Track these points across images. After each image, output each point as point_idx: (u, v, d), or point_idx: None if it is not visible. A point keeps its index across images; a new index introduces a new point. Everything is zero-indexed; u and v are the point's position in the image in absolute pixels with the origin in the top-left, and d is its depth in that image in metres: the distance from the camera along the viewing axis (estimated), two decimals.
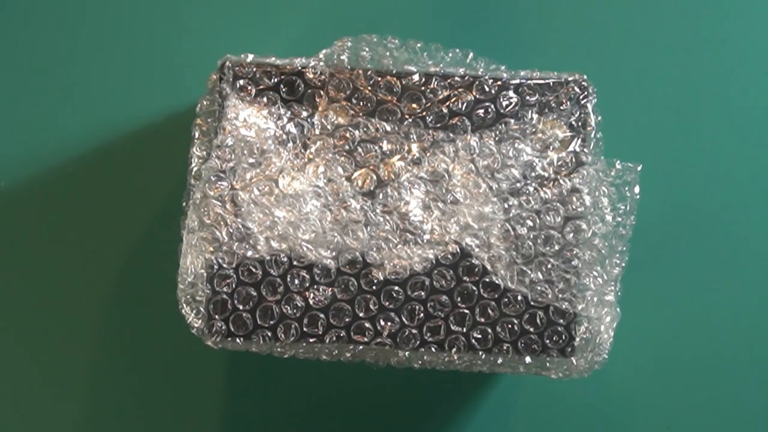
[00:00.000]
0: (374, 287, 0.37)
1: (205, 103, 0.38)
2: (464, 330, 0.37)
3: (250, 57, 0.37)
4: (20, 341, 0.47)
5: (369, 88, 0.38)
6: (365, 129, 0.38)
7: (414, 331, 0.37)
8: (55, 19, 0.48)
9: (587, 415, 0.47)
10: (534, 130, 0.38)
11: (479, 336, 0.37)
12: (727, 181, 0.48)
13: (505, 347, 0.37)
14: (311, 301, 0.37)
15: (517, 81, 0.38)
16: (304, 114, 0.38)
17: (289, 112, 0.38)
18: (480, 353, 0.37)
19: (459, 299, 0.38)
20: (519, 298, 0.37)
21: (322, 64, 0.38)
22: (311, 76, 0.38)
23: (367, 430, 0.47)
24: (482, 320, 0.37)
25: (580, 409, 0.47)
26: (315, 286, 0.37)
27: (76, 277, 0.47)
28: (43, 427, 0.46)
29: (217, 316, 0.37)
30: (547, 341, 0.38)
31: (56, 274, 0.47)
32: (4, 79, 0.48)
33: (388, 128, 0.38)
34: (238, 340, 0.37)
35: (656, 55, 0.49)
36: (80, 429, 0.46)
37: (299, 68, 0.38)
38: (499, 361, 0.38)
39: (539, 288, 0.37)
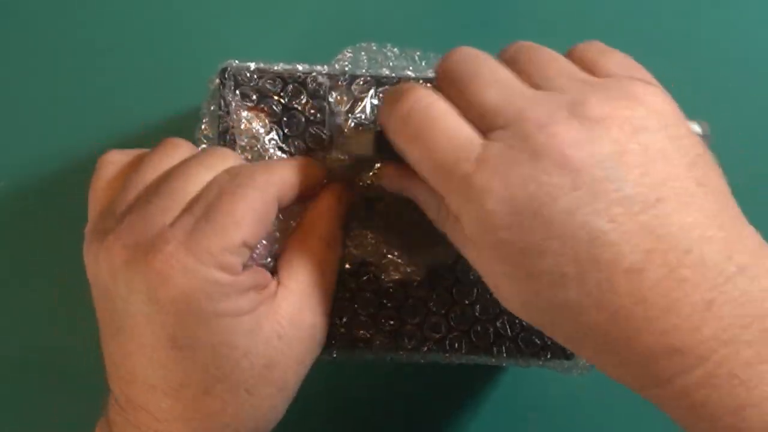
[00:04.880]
0: (373, 285, 0.38)
1: (206, 107, 0.38)
2: (465, 328, 0.38)
3: (253, 64, 0.37)
4: (21, 343, 0.47)
5: (369, 96, 0.38)
6: None
7: (414, 329, 0.38)
8: (56, 20, 0.48)
9: (588, 415, 0.47)
10: None
11: (480, 334, 0.38)
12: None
13: (506, 345, 0.38)
14: None
15: None
16: (305, 121, 0.38)
17: (292, 120, 0.38)
18: (480, 352, 0.38)
19: (459, 298, 0.38)
20: None
21: (324, 72, 0.38)
22: (313, 84, 0.37)
23: (366, 428, 0.48)
24: (483, 318, 0.38)
25: (580, 408, 0.47)
26: None
27: (77, 278, 0.47)
28: (48, 427, 0.47)
29: None
30: (548, 340, 0.38)
31: (56, 275, 0.47)
32: (5, 80, 0.48)
33: None
34: None
35: (654, 57, 0.49)
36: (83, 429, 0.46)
37: (302, 75, 0.37)
38: (500, 359, 0.38)
39: None
